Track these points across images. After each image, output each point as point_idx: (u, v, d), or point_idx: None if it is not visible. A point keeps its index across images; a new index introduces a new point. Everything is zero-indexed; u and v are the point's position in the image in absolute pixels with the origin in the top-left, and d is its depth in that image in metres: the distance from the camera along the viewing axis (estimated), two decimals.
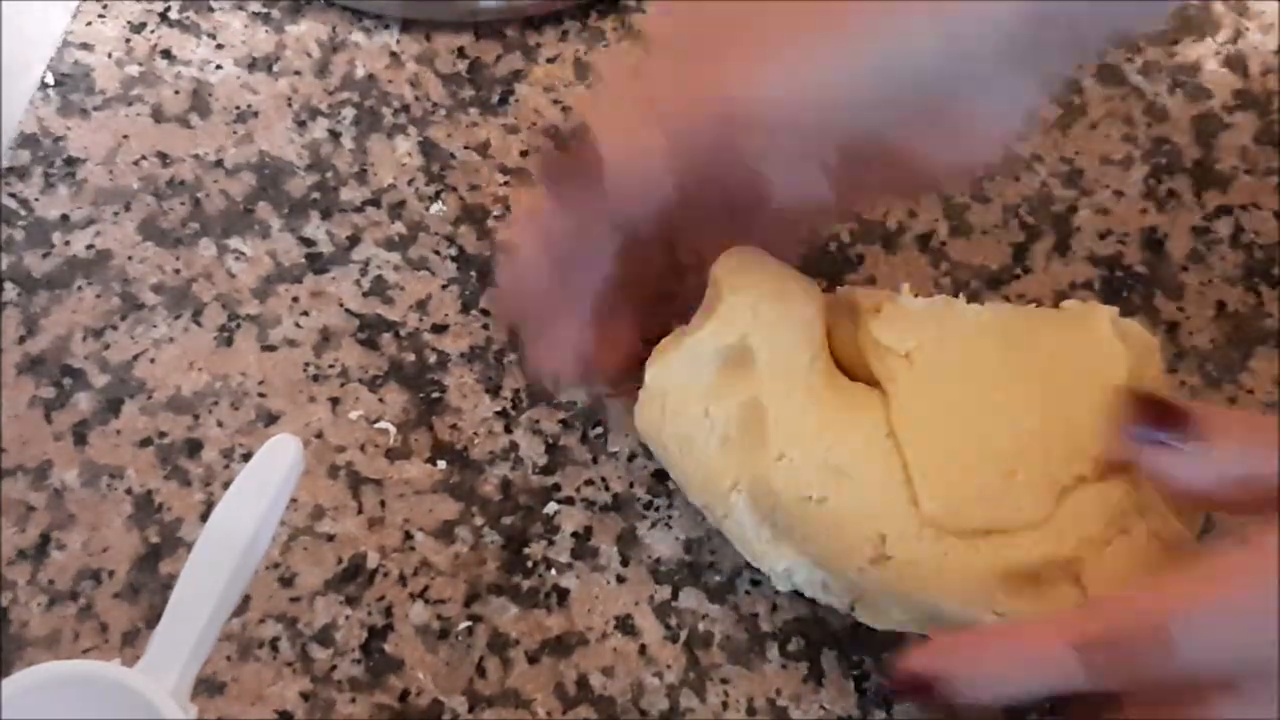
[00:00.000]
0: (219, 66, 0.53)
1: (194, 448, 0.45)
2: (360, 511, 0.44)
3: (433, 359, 0.46)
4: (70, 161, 0.50)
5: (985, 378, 0.38)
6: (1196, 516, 0.38)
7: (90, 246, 0.48)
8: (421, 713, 0.40)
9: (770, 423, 0.38)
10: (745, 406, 0.38)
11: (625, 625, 0.42)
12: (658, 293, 0.42)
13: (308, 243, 0.49)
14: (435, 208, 0.50)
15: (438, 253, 0.49)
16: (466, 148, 0.51)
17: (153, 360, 0.46)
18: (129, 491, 0.44)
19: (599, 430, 0.45)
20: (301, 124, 0.51)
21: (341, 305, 0.48)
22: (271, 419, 0.45)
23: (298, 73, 0.53)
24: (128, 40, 0.53)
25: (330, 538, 0.43)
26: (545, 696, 0.41)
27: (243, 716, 0.40)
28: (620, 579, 0.43)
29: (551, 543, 0.43)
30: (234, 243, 0.49)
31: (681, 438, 0.40)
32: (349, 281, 0.48)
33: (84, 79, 0.52)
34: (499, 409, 0.45)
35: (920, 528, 0.36)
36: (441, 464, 0.44)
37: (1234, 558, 0.31)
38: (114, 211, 0.49)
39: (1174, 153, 0.51)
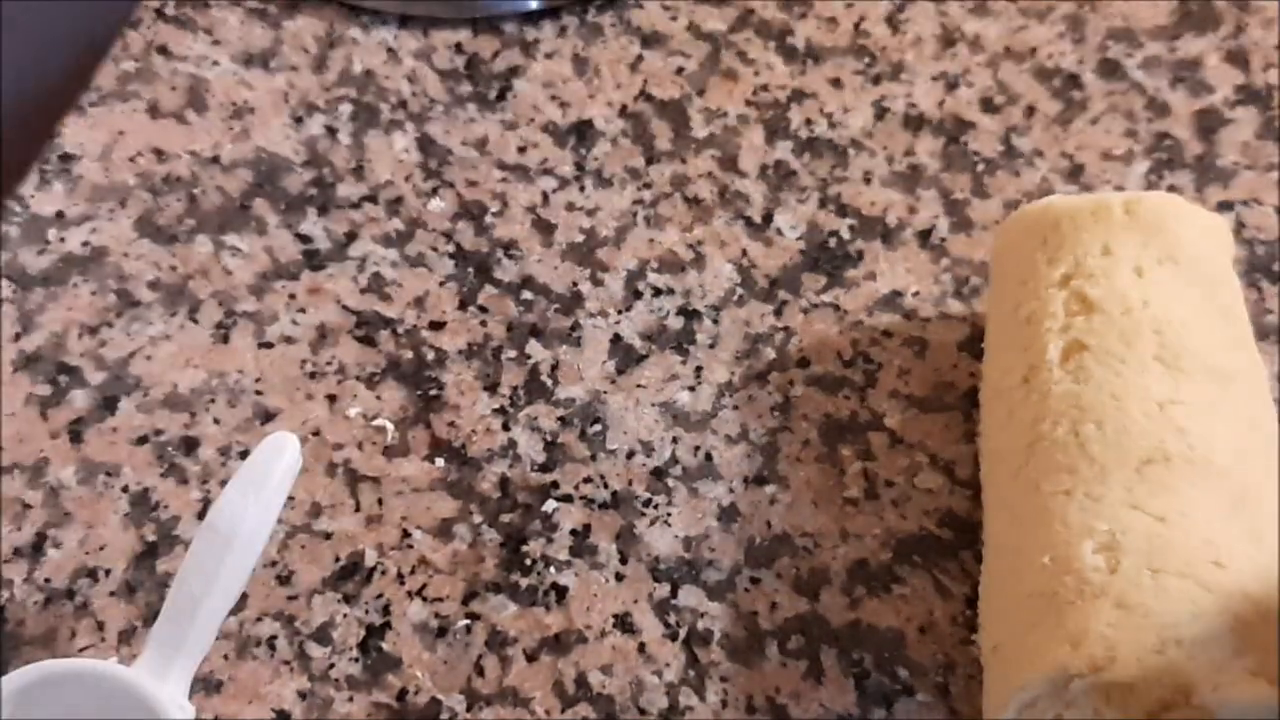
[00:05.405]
0: (215, 63, 0.53)
1: (191, 445, 0.44)
2: (358, 509, 0.43)
3: (430, 356, 0.46)
4: (66, 158, 0.50)
5: None
6: None
7: (86, 243, 0.48)
8: (419, 711, 0.40)
9: None
10: None
11: (624, 623, 0.42)
12: None
13: (305, 239, 0.49)
14: (433, 204, 0.50)
15: (435, 249, 0.49)
16: (464, 144, 0.51)
17: (149, 357, 0.46)
18: (125, 489, 0.44)
19: (597, 427, 0.45)
20: (298, 120, 0.51)
21: (339, 302, 0.47)
22: (269, 416, 0.45)
23: (294, 68, 0.52)
24: (124, 36, 0.53)
25: (328, 535, 0.43)
26: (544, 695, 0.40)
27: (240, 715, 0.40)
28: (619, 577, 0.42)
29: (550, 540, 0.43)
30: (230, 239, 0.49)
31: None
32: (346, 278, 0.48)
33: None
34: (497, 406, 0.45)
35: None
36: (439, 461, 0.44)
37: None
38: (110, 208, 0.49)
39: (1175, 148, 0.50)
